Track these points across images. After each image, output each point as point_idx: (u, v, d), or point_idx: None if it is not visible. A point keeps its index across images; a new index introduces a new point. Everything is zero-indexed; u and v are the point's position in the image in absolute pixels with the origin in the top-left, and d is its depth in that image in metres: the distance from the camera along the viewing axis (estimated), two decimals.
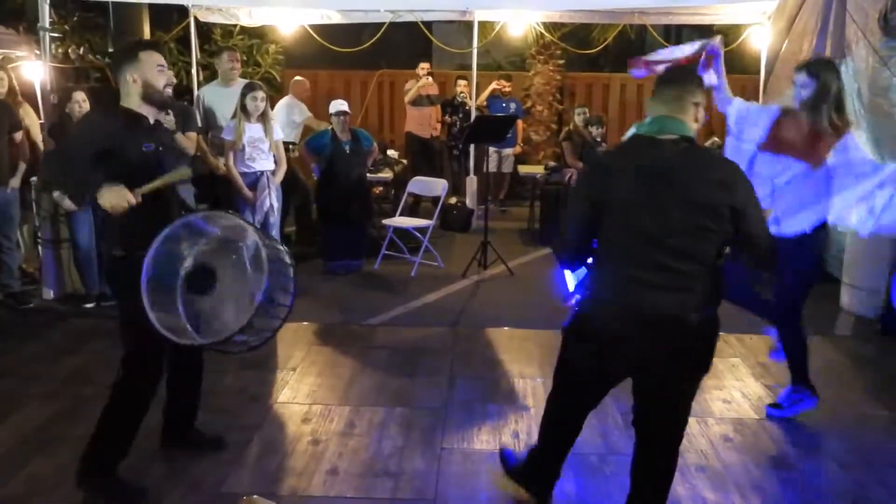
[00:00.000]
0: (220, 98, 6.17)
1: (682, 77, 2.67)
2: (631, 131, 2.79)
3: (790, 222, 3.61)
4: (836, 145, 3.58)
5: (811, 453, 3.55)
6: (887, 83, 6.27)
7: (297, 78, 8.49)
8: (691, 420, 3.84)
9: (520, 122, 10.14)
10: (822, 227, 3.65)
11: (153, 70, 3.03)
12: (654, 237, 2.40)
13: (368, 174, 7.27)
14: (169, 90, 3.17)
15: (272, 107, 6.46)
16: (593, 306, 2.58)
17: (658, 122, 2.51)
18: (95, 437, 3.04)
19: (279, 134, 5.59)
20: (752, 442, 3.64)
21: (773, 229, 3.14)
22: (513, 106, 9.85)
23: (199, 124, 5.99)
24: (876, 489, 3.23)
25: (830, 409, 3.94)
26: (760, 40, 8.32)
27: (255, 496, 2.83)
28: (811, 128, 3.60)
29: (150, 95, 3.04)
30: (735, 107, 3.86)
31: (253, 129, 5.45)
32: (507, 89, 9.87)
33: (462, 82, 9.41)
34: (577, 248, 2.59)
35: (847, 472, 3.37)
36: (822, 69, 3.64)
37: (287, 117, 7.78)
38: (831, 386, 4.20)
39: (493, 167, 9.91)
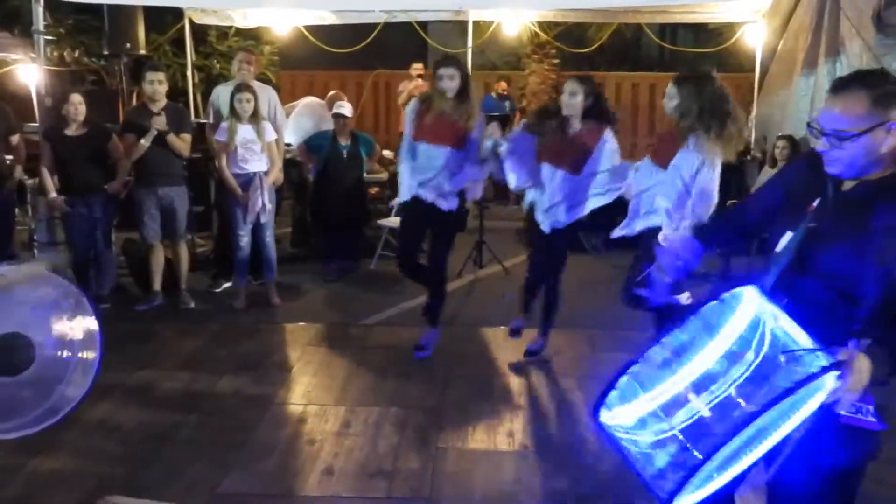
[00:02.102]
0: None
1: None
2: None
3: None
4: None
5: None
6: None
7: (336, 92, 8.42)
8: None
9: (515, 120, 10.16)
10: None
11: None
12: None
13: (366, 175, 7.23)
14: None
15: (286, 112, 6.49)
16: None
17: None
18: None
19: (272, 135, 5.59)
20: None
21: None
22: (507, 104, 9.88)
23: (211, 121, 5.99)
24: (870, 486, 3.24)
25: None
26: (755, 38, 8.33)
27: (116, 497, 2.77)
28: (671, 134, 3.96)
29: None
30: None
31: (245, 131, 5.46)
32: (505, 93, 9.93)
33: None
34: None
35: None
36: (682, 83, 3.91)
37: (314, 123, 7.42)
38: None
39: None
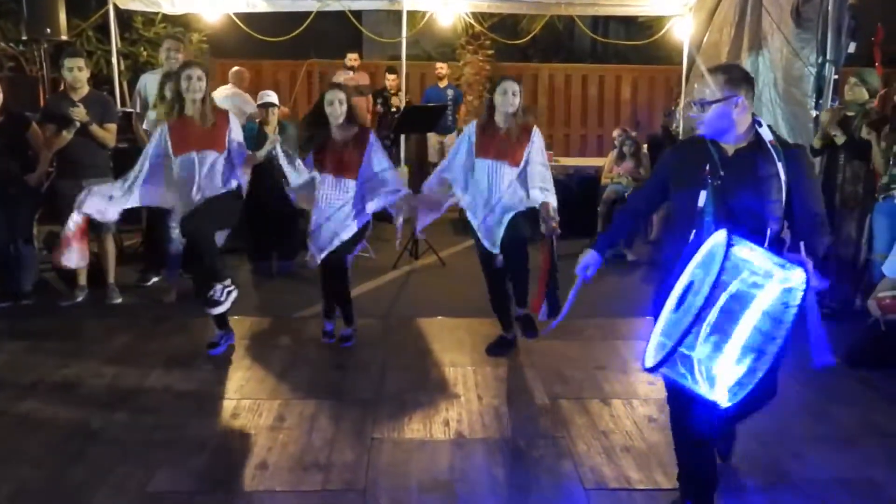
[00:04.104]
0: None
1: None
2: None
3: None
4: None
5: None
6: (800, 73, 6.52)
7: (238, 68, 8.25)
8: (617, 402, 3.98)
9: (462, 108, 10.16)
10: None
11: None
12: None
13: None
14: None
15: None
16: None
17: None
18: None
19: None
20: None
21: None
22: (450, 93, 9.84)
23: (138, 110, 5.81)
24: (790, 461, 3.38)
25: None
26: (683, 32, 8.53)
27: None
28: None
29: None
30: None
31: None
32: (443, 72, 9.83)
33: (391, 76, 9.34)
34: None
35: (763, 445, 3.51)
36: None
37: (237, 108, 7.37)
38: None
39: (437, 158, 9.91)
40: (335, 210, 4.48)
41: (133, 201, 4.40)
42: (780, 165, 2.64)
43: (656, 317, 2.56)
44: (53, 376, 4.19)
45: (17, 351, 4.55)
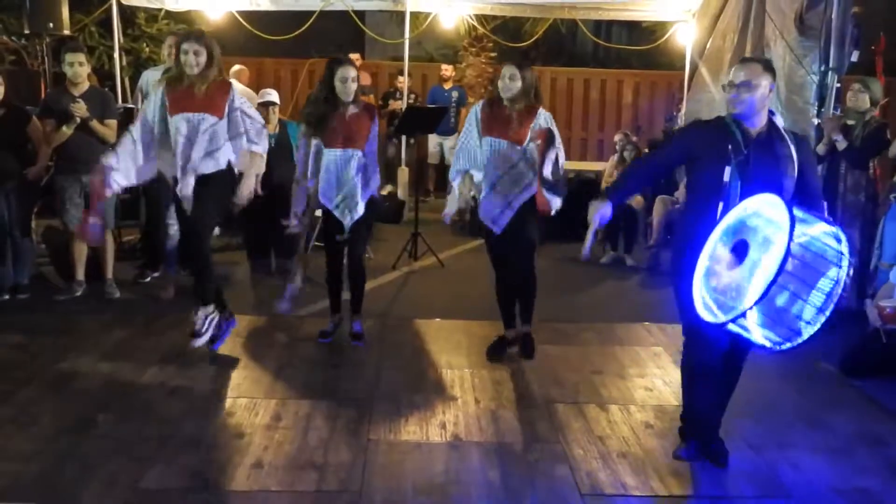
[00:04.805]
0: None
1: None
2: None
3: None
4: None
5: (726, 437, 3.67)
6: (802, 80, 6.52)
7: (239, 66, 8.25)
8: (614, 407, 3.96)
9: (463, 110, 10.14)
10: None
11: None
12: None
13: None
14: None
15: None
16: None
17: None
18: None
19: None
20: (671, 428, 3.74)
21: None
22: (455, 94, 9.83)
23: (139, 107, 5.78)
24: (786, 470, 3.37)
25: (743, 393, 4.08)
26: (685, 37, 8.53)
27: None
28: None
29: None
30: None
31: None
32: (448, 73, 9.84)
33: (401, 77, 9.33)
34: None
35: (759, 454, 3.50)
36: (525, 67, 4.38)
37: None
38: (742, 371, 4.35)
39: (436, 160, 9.91)
40: (344, 179, 4.52)
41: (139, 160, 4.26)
42: (793, 148, 3.07)
43: (683, 276, 3.04)
44: (49, 371, 4.17)
45: (12, 345, 4.54)
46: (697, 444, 3.37)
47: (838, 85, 5.79)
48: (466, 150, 4.48)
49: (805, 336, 2.70)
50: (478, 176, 4.46)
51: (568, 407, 3.96)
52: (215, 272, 4.49)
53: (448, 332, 5.07)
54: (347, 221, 4.54)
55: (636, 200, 6.92)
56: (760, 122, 3.09)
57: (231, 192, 4.42)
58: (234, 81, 7.81)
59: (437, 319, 5.34)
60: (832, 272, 2.67)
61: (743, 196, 2.94)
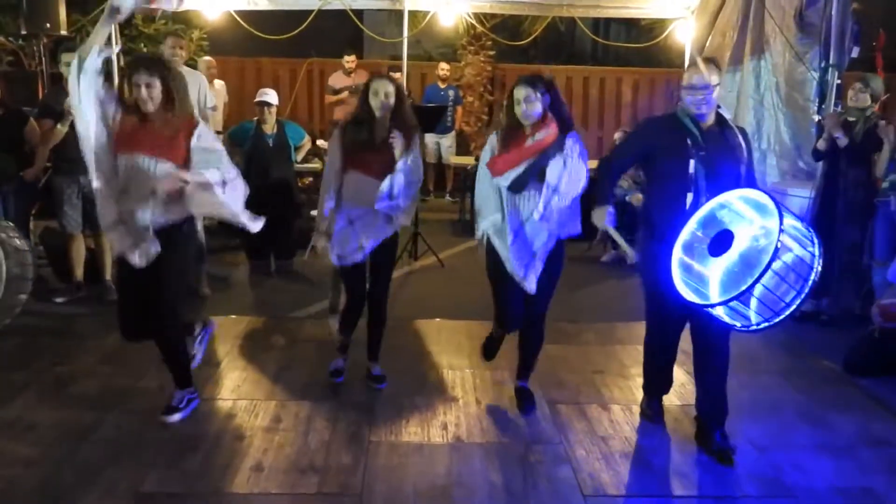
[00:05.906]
0: None
1: None
2: None
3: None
4: None
5: (729, 437, 3.66)
6: (802, 77, 6.49)
7: (205, 58, 8.20)
8: (616, 407, 3.94)
9: (459, 109, 10.13)
10: None
11: None
12: None
13: (297, 165, 7.05)
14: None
15: None
16: None
17: None
18: None
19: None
20: (673, 427, 3.73)
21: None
22: (450, 93, 9.82)
23: None
24: (790, 470, 3.35)
25: (747, 393, 4.07)
26: (685, 35, 8.49)
27: None
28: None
29: None
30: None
31: None
32: (445, 73, 9.83)
33: (396, 75, 9.31)
34: None
35: (762, 454, 3.48)
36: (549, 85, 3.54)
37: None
38: (745, 370, 4.34)
39: (433, 158, 9.89)
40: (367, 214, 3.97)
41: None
42: (741, 137, 3.35)
43: (655, 262, 3.26)
44: (47, 374, 4.15)
45: (10, 347, 4.51)
46: (659, 400, 3.80)
47: (839, 81, 5.76)
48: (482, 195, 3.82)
49: (783, 316, 2.87)
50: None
51: (570, 407, 3.94)
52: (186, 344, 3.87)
53: (449, 333, 5.05)
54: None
55: (636, 198, 6.88)
56: (711, 116, 3.34)
57: (195, 249, 3.91)
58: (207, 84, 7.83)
59: (438, 319, 5.32)
60: (807, 256, 2.88)
61: (708, 185, 3.22)
